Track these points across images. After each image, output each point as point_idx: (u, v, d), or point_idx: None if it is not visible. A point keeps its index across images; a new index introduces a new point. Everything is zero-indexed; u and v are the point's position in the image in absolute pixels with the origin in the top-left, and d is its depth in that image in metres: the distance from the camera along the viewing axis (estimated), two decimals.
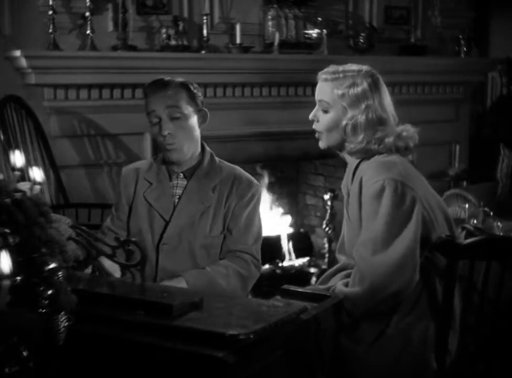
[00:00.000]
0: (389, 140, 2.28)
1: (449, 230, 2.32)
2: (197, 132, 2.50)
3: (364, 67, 2.34)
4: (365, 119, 2.27)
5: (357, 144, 2.29)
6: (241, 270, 2.44)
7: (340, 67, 2.34)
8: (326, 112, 2.33)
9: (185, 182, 2.50)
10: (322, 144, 2.40)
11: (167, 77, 2.50)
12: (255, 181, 2.55)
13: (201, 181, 2.49)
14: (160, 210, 2.48)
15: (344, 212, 2.42)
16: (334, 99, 2.30)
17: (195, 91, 2.49)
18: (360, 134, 2.27)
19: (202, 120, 2.52)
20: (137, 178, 2.54)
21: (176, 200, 2.49)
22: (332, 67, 2.35)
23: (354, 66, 2.34)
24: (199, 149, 2.53)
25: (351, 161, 2.37)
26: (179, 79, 2.50)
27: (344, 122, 2.29)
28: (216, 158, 2.56)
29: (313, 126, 2.38)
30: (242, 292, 2.44)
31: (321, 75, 2.35)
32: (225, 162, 2.57)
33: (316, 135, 2.40)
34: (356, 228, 2.29)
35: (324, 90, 2.33)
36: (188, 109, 2.45)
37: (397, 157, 2.30)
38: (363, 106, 2.27)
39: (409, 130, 2.33)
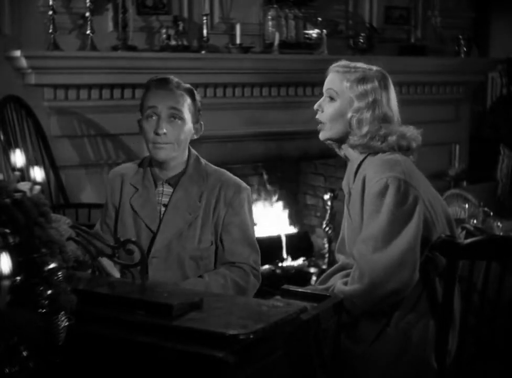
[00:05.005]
0: (392, 138, 2.28)
1: (449, 230, 2.32)
2: (187, 140, 2.43)
3: (375, 67, 2.36)
4: (371, 114, 2.27)
5: (360, 137, 2.28)
6: (239, 280, 2.36)
7: (352, 63, 2.36)
8: (332, 99, 2.33)
9: (170, 190, 2.42)
10: (323, 135, 2.38)
11: (176, 78, 2.44)
12: (244, 184, 2.45)
13: (187, 190, 2.41)
14: (146, 220, 2.41)
15: (345, 210, 2.42)
16: (342, 89, 2.31)
17: (198, 101, 2.45)
18: (365, 128, 2.28)
19: (195, 132, 2.45)
20: (122, 184, 2.47)
21: (162, 209, 2.42)
22: (344, 62, 2.37)
23: (365, 65, 2.36)
24: (185, 157, 2.45)
25: (354, 158, 2.36)
26: (187, 84, 2.44)
27: (349, 114, 2.29)
28: (203, 161, 2.48)
29: (317, 116, 2.37)
30: None
31: (333, 68, 2.37)
32: (212, 165, 2.49)
33: (318, 127, 2.38)
34: (357, 226, 2.29)
35: (334, 80, 2.34)
36: (188, 115, 2.40)
37: (400, 155, 2.30)
38: (370, 99, 2.28)
39: (412, 131, 2.34)
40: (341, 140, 2.36)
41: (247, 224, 2.43)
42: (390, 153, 2.29)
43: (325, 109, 2.35)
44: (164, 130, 2.36)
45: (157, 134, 2.36)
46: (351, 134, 2.31)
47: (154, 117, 2.37)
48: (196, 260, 2.40)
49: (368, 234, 2.21)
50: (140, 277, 1.80)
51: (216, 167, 2.50)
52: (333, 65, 2.37)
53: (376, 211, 2.20)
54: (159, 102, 2.37)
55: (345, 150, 2.38)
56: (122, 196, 2.47)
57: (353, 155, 2.36)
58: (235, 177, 2.48)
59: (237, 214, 2.41)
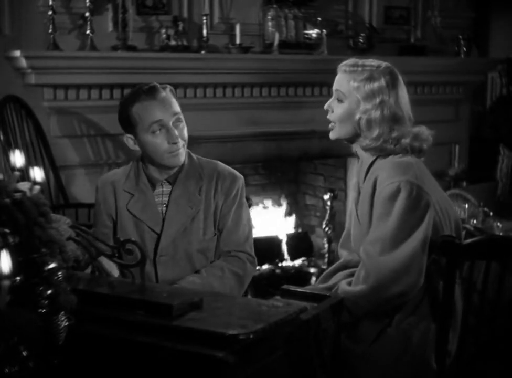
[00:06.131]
0: (405, 141, 2.26)
1: (456, 233, 2.31)
2: None
3: (384, 64, 2.33)
4: (380, 115, 2.25)
5: (372, 140, 2.27)
6: (236, 270, 2.41)
7: (360, 61, 2.33)
8: (340, 101, 2.32)
9: (170, 189, 2.44)
10: (333, 135, 2.37)
11: (156, 83, 2.40)
12: (238, 174, 2.49)
13: (185, 185, 2.43)
14: (148, 223, 2.42)
15: (352, 208, 2.40)
16: (349, 90, 2.28)
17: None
18: (375, 130, 2.25)
19: None
20: (114, 191, 2.46)
21: (164, 209, 2.43)
22: (352, 60, 2.34)
23: (374, 62, 2.33)
24: None
25: (365, 158, 2.35)
26: (167, 85, 2.43)
27: (358, 116, 2.27)
28: (194, 155, 2.50)
29: (327, 116, 2.36)
30: (239, 291, 2.43)
31: (341, 67, 2.34)
32: (203, 158, 2.51)
33: (329, 126, 2.37)
34: (364, 226, 2.28)
35: (341, 80, 2.32)
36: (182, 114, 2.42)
37: (412, 158, 2.28)
38: (377, 100, 2.25)
39: (424, 132, 2.33)
40: (351, 139, 2.34)
41: (241, 213, 2.47)
42: (402, 155, 2.27)
43: (334, 110, 2.34)
44: (179, 138, 2.37)
45: (174, 143, 2.36)
46: (362, 135, 2.29)
47: (162, 130, 2.35)
48: (203, 252, 2.44)
49: (376, 236, 2.20)
50: (141, 277, 1.80)
51: (208, 159, 2.53)
52: (342, 64, 2.34)
53: (386, 214, 2.19)
54: (163, 114, 2.35)
55: (356, 149, 2.37)
56: (117, 204, 2.46)
57: (364, 155, 2.35)
58: (229, 167, 2.52)
59: (233, 204, 2.45)
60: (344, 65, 2.33)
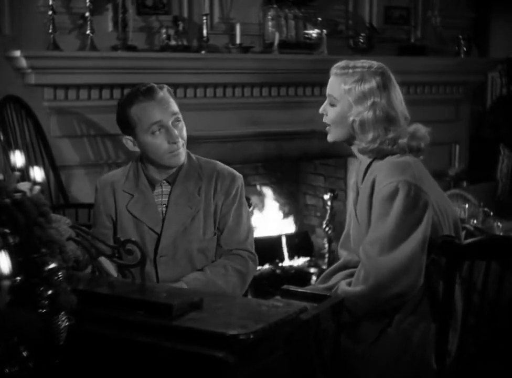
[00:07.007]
0: (403, 141, 2.25)
1: (455, 232, 2.31)
2: None
3: (376, 64, 2.31)
4: (372, 116, 2.24)
5: (368, 143, 2.26)
6: (239, 267, 2.42)
7: (351, 63, 2.31)
8: (333, 105, 2.32)
9: (169, 189, 2.44)
10: (330, 137, 2.37)
11: (153, 84, 2.40)
12: (237, 173, 2.50)
13: (185, 185, 2.43)
14: (148, 223, 2.42)
15: (351, 209, 2.41)
16: (341, 94, 2.28)
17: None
18: (369, 132, 2.25)
19: None
20: (114, 192, 2.46)
21: (163, 209, 2.43)
22: (343, 63, 2.33)
23: (365, 63, 2.31)
24: None
25: (363, 159, 2.35)
26: (164, 85, 2.42)
27: (351, 118, 2.27)
28: (193, 155, 2.50)
29: (323, 120, 2.37)
30: (241, 288, 2.44)
31: (333, 70, 2.33)
32: (202, 158, 2.52)
33: (326, 129, 2.37)
34: (363, 227, 2.28)
35: (333, 84, 2.32)
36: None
37: (411, 157, 2.27)
38: (369, 102, 2.24)
39: (421, 130, 2.32)
40: (349, 142, 2.35)
41: (241, 211, 2.48)
42: (400, 155, 2.26)
43: (328, 114, 2.34)
44: (179, 138, 2.37)
45: (174, 143, 2.36)
46: (357, 138, 2.29)
47: (161, 130, 2.35)
48: (204, 251, 2.44)
49: (375, 236, 2.20)
50: (141, 277, 1.80)
51: (206, 159, 2.53)
52: (334, 66, 2.34)
53: (384, 214, 2.18)
54: (162, 114, 2.35)
55: (354, 151, 2.37)
56: (117, 204, 2.46)
57: (362, 156, 2.35)
58: (228, 167, 2.52)
59: (233, 203, 2.46)
60: (335, 68, 2.33)
